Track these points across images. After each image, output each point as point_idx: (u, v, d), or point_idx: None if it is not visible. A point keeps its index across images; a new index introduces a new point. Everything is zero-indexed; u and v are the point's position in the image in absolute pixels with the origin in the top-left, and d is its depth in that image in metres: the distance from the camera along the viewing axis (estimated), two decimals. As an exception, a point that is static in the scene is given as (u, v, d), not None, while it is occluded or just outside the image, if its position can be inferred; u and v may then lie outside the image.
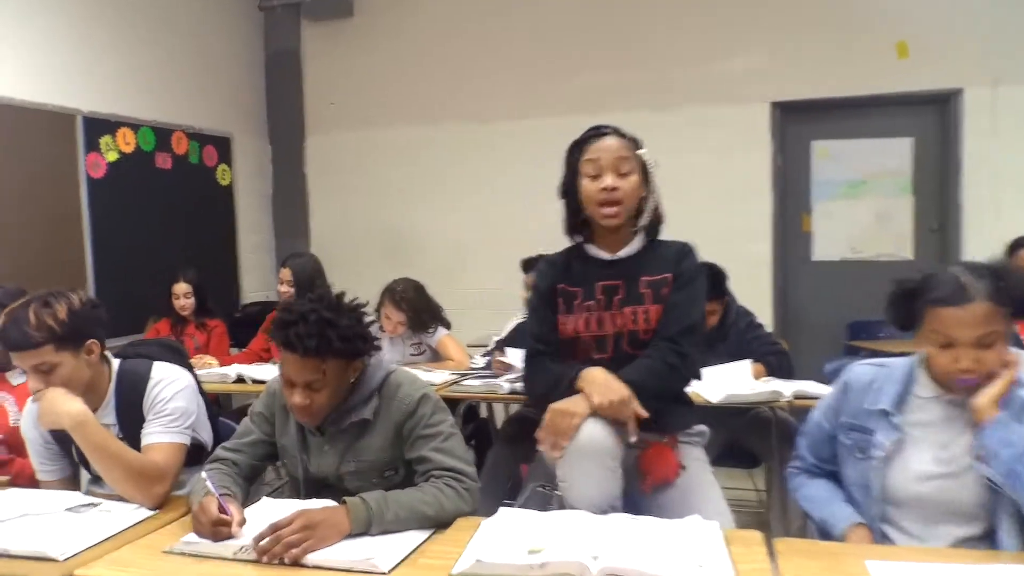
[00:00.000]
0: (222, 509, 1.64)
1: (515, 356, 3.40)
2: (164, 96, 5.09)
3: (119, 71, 4.76)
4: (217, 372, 3.54)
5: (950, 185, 5.00)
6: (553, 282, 2.08)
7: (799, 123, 5.26)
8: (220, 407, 3.98)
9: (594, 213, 1.99)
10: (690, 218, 4.83)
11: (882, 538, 1.73)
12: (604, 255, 2.05)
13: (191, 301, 4.27)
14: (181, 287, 4.25)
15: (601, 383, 1.86)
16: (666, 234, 2.12)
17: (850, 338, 4.92)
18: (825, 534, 1.78)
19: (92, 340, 1.98)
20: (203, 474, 1.73)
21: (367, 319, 1.90)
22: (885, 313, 1.77)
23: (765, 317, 4.77)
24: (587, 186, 1.98)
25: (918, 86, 4.90)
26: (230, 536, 1.60)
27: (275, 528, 1.55)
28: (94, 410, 2.02)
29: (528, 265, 3.66)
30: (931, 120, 5.10)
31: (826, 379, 3.32)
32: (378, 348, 1.95)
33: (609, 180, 1.95)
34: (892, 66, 4.89)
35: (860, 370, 1.83)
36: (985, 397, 1.61)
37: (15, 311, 1.88)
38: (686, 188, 5.06)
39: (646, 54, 5.31)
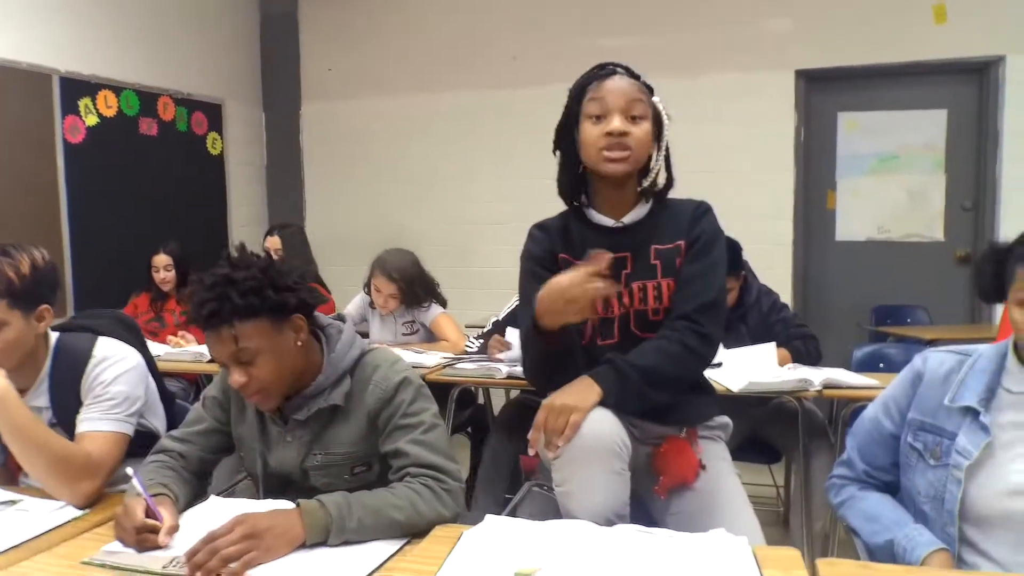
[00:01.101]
0: (150, 513, 1.37)
1: (516, 336, 3.14)
2: (150, 57, 4.82)
3: (101, 29, 4.49)
4: (192, 351, 3.30)
5: (986, 161, 4.72)
6: (551, 248, 1.77)
7: (825, 93, 4.99)
8: (200, 389, 3.74)
9: (595, 160, 1.68)
10: (707, 193, 4.57)
11: (959, 563, 1.42)
12: (608, 221, 1.75)
13: (172, 274, 4.04)
14: (161, 259, 4.03)
15: (571, 390, 1.58)
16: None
17: (876, 323, 4.70)
18: (877, 557, 1.48)
19: (45, 306, 1.76)
20: (128, 469, 1.46)
21: (292, 272, 1.59)
22: (974, 281, 1.47)
23: (786, 299, 4.51)
24: (589, 129, 1.68)
25: (955, 53, 4.61)
26: (157, 546, 1.34)
27: (211, 538, 1.28)
28: (24, 389, 1.79)
29: None
30: (967, 91, 4.80)
31: (853, 367, 3.15)
32: (318, 299, 1.66)
33: (617, 123, 1.64)
34: (927, 32, 4.59)
35: (937, 358, 1.52)
36: None
37: None
38: (702, 161, 4.80)
39: (662, 18, 5.03)
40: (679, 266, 1.71)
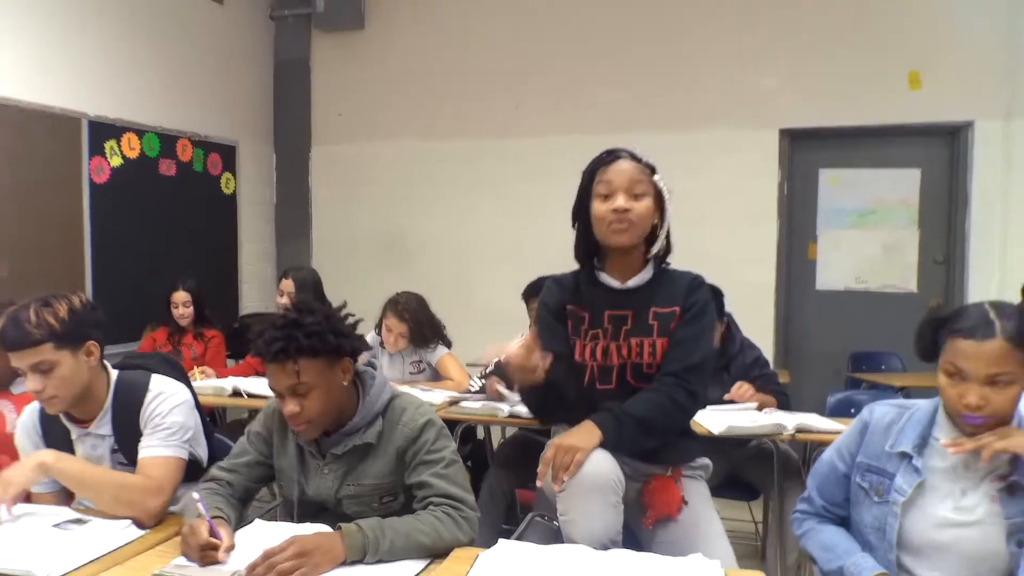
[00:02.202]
0: (212, 532, 1.60)
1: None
2: (171, 102, 5.07)
3: (126, 75, 4.75)
4: (213, 384, 3.50)
5: (957, 218, 4.99)
6: (562, 301, 2.03)
7: (807, 150, 5.27)
8: (216, 422, 3.94)
9: (603, 234, 1.94)
10: (695, 242, 4.81)
11: None
12: (614, 283, 2.00)
13: (190, 311, 4.23)
14: (180, 296, 4.22)
15: (577, 432, 1.84)
16: (671, 258, 2.08)
17: (852, 369, 4.90)
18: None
19: (91, 341, 1.96)
20: (195, 494, 1.69)
21: (349, 317, 1.86)
22: (914, 343, 1.73)
23: (767, 345, 4.76)
24: (598, 207, 1.94)
25: (929, 117, 4.89)
26: (217, 561, 1.56)
27: (268, 555, 1.51)
28: (91, 419, 2.02)
29: (531, 291, 3.58)
30: (940, 152, 5.09)
31: (826, 412, 3.38)
32: (366, 346, 1.92)
33: (620, 201, 1.90)
34: (903, 96, 4.88)
35: (881, 410, 1.78)
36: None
37: (15, 311, 1.87)
38: (692, 211, 5.04)
39: (657, 76, 5.31)
40: (673, 328, 1.96)
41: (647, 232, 1.97)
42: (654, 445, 1.90)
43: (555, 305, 2.04)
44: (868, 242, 5.22)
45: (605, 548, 1.67)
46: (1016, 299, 3.40)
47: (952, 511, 1.63)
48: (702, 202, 5.08)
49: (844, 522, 1.83)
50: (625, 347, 1.96)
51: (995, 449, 1.57)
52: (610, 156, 1.97)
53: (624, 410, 1.87)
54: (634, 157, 1.97)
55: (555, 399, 1.96)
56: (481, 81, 5.67)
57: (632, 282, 2.00)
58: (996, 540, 1.59)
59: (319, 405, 1.76)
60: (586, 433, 1.82)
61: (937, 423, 1.70)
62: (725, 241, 5.09)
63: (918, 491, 1.66)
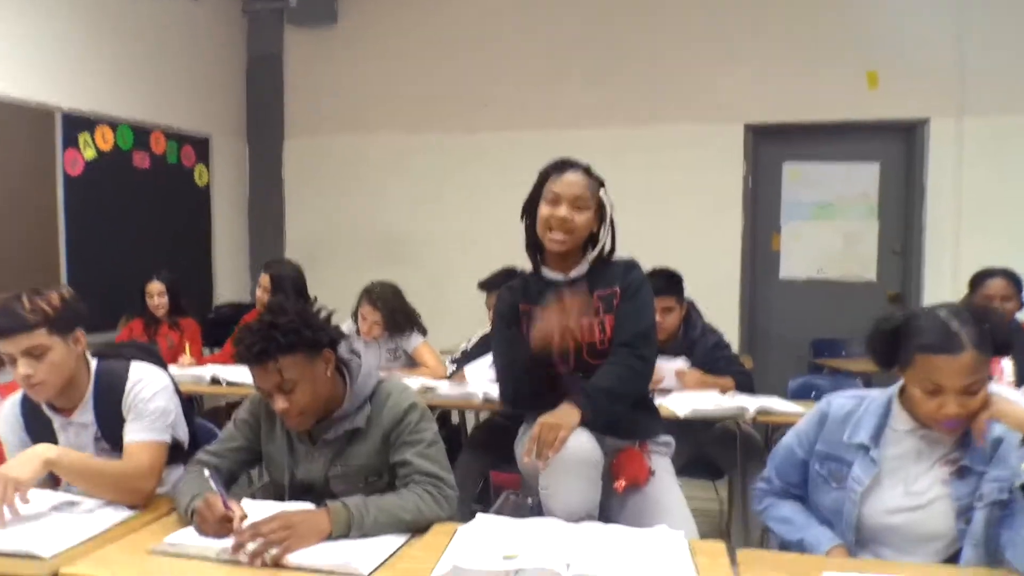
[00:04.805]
0: (225, 505, 1.68)
1: (474, 372, 3.47)
2: (144, 95, 5.08)
3: (100, 68, 4.75)
4: (192, 373, 3.55)
5: (914, 210, 5.16)
6: (514, 304, 2.20)
7: (771, 145, 5.40)
8: (194, 409, 3.99)
9: (542, 235, 2.12)
10: (661, 234, 5.02)
11: None
12: (558, 276, 2.17)
13: (165, 301, 4.27)
14: (155, 287, 4.26)
15: (558, 413, 1.97)
16: (640, 249, 2.28)
17: (814, 356, 5.07)
18: (790, 551, 1.85)
19: (79, 329, 2.02)
20: (205, 472, 1.78)
21: (322, 311, 1.95)
22: (867, 350, 1.81)
23: (732, 333, 4.89)
24: (543, 210, 2.11)
25: (886, 114, 5.07)
26: (231, 533, 1.64)
27: (255, 526, 1.60)
28: (73, 408, 2.07)
29: (488, 286, 3.70)
30: (898, 147, 5.26)
31: (788, 395, 3.51)
32: (342, 335, 1.99)
33: (563, 211, 2.07)
34: (862, 94, 5.05)
35: (839, 402, 1.88)
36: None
37: (6, 300, 1.91)
38: (659, 204, 5.21)
39: (627, 72, 5.41)
40: (616, 306, 2.12)
41: (583, 239, 2.15)
42: (622, 410, 2.07)
43: (508, 311, 2.20)
44: (829, 233, 5.38)
45: (580, 520, 1.79)
46: (965, 291, 3.56)
47: (904, 496, 1.75)
48: (669, 195, 5.24)
49: (799, 500, 1.95)
50: (579, 330, 2.12)
51: (984, 420, 1.65)
52: (563, 167, 2.13)
53: (592, 385, 2.02)
54: (587, 172, 2.13)
55: (528, 390, 2.13)
56: (452, 76, 5.74)
57: (573, 273, 2.16)
58: (945, 520, 1.72)
59: (306, 398, 1.85)
60: (567, 413, 1.95)
61: (892, 414, 1.80)
62: (691, 232, 5.23)
63: (875, 480, 1.77)
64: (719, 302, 4.55)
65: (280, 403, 1.84)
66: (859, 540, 1.80)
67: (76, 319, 2.01)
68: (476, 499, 3.28)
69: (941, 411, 1.65)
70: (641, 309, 2.13)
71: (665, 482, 2.13)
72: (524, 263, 2.32)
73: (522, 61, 5.60)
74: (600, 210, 2.13)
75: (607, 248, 2.18)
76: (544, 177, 2.14)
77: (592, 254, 2.16)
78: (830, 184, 5.35)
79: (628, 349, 2.08)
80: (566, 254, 2.14)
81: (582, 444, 1.92)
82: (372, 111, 5.91)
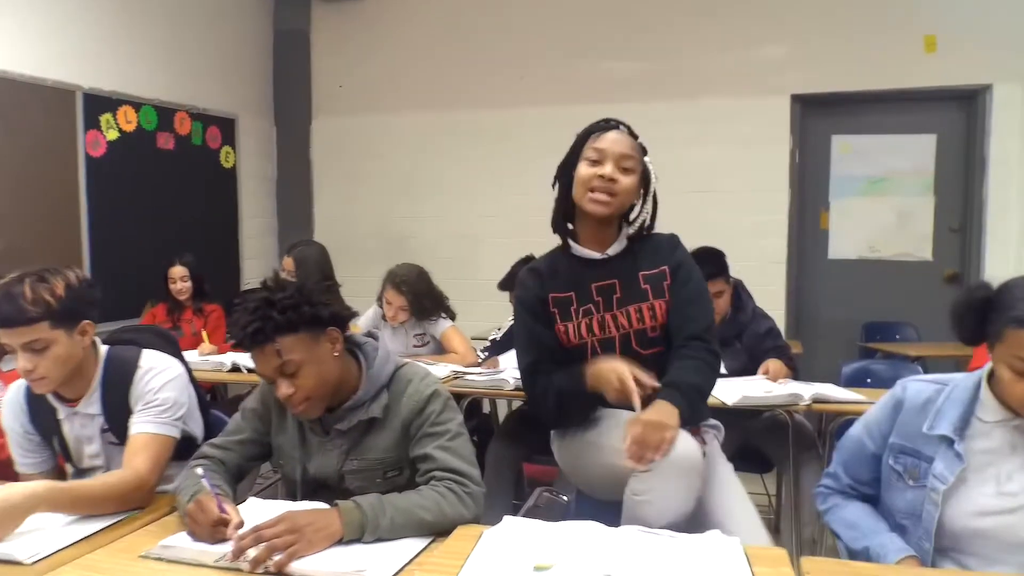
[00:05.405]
0: (219, 508, 1.52)
1: (509, 358, 3.30)
2: (168, 74, 4.97)
3: (122, 47, 4.64)
4: (212, 360, 3.43)
5: (973, 184, 4.89)
6: (540, 293, 1.97)
7: (819, 117, 5.16)
8: (215, 398, 3.89)
9: (582, 199, 1.90)
10: (704, 212, 4.79)
11: None
12: (593, 254, 1.96)
13: (188, 285, 4.18)
14: (177, 271, 4.17)
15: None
16: (679, 228, 2.07)
17: (865, 340, 4.85)
18: (857, 560, 1.63)
19: (87, 321, 1.88)
20: (199, 470, 1.62)
21: (331, 289, 1.77)
22: (952, 323, 1.57)
23: (778, 315, 4.68)
24: (584, 169, 1.90)
25: (944, 81, 4.78)
26: (226, 539, 1.48)
27: (258, 530, 1.44)
28: (79, 397, 1.94)
29: (507, 285, 3.51)
30: (956, 117, 4.99)
31: (841, 382, 3.29)
32: (349, 312, 1.83)
33: (608, 169, 1.86)
34: (918, 60, 4.77)
35: (916, 387, 1.65)
36: None
37: (8, 285, 1.77)
38: (700, 182, 4.97)
39: (664, 43, 5.19)
40: (667, 288, 1.92)
41: (625, 208, 1.94)
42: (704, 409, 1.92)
43: (532, 301, 1.99)
44: (882, 210, 5.12)
45: (670, 528, 1.60)
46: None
47: (995, 496, 1.52)
48: (712, 171, 5.03)
49: (869, 500, 1.73)
50: (623, 316, 1.93)
51: None
52: (607, 124, 1.93)
53: (683, 381, 1.82)
54: (631, 132, 1.94)
55: (572, 405, 1.92)
56: (485, 51, 5.56)
57: (612, 250, 1.96)
58: None
59: (312, 381, 1.68)
60: (667, 412, 1.73)
61: (980, 401, 1.57)
62: (735, 211, 5.00)
63: (960, 477, 1.54)
64: (765, 284, 4.36)
65: (283, 388, 1.67)
66: (939, 547, 1.56)
67: (83, 309, 1.86)
68: (514, 495, 3.11)
69: None
70: (702, 295, 1.96)
71: (718, 464, 1.96)
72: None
73: (557, 34, 5.40)
74: (644, 180, 1.93)
75: (646, 224, 1.97)
76: (583, 137, 1.93)
77: (631, 229, 1.96)
78: (882, 158, 5.08)
79: (702, 344, 1.89)
80: (605, 223, 1.93)
81: (688, 447, 1.71)
82: (403, 88, 5.76)
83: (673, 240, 2.01)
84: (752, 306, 3.24)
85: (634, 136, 1.93)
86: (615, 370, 1.77)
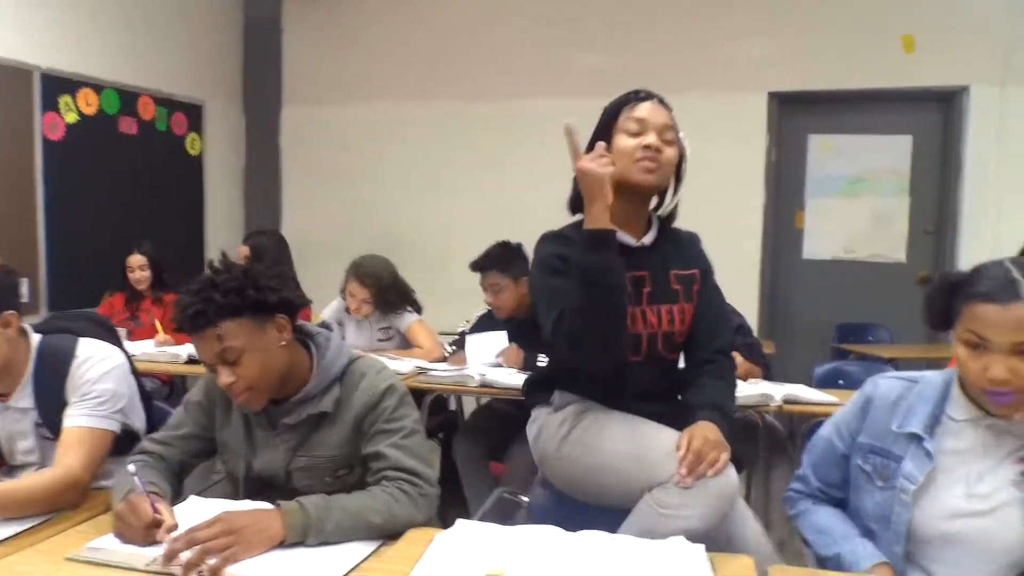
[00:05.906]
0: (152, 509, 1.42)
1: (475, 348, 3.20)
2: (132, 56, 4.82)
3: (83, 26, 4.49)
4: (168, 351, 3.31)
5: (949, 186, 4.88)
6: (565, 253, 1.74)
7: (796, 115, 5.13)
8: (173, 391, 3.76)
9: (629, 169, 1.73)
10: (679, 208, 4.71)
11: None
12: (629, 240, 1.81)
13: (146, 275, 4.04)
14: (135, 259, 4.03)
15: (707, 429, 1.70)
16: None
17: (839, 340, 4.80)
18: (827, 567, 1.56)
19: (9, 312, 1.76)
20: (130, 467, 1.51)
21: (285, 277, 1.67)
22: (923, 310, 1.51)
23: (752, 316, 4.64)
24: (625, 141, 1.75)
25: (922, 82, 4.77)
26: (157, 542, 1.38)
27: (192, 532, 1.34)
28: (9, 392, 1.82)
29: (481, 266, 3.34)
30: (933, 118, 4.97)
31: (814, 383, 3.24)
32: (302, 300, 1.73)
33: (653, 138, 1.74)
34: (896, 60, 4.75)
35: (886, 384, 1.58)
36: None
37: None
38: (676, 177, 4.89)
39: (641, 38, 5.13)
40: (696, 293, 1.85)
41: (667, 184, 1.84)
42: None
43: (552, 259, 1.76)
44: (857, 211, 5.10)
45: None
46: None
47: (964, 498, 1.45)
48: (688, 168, 4.93)
49: (841, 504, 1.66)
50: (652, 314, 1.80)
51: None
52: (642, 95, 1.81)
53: (721, 404, 1.78)
54: (665, 104, 1.82)
55: (593, 278, 1.62)
56: (459, 42, 5.47)
57: (647, 239, 1.84)
58: (1016, 530, 1.42)
59: (254, 370, 1.57)
60: (714, 431, 1.67)
61: (950, 399, 1.51)
62: (710, 208, 4.89)
63: (929, 477, 1.47)
64: (738, 283, 4.29)
65: (224, 376, 1.57)
66: (908, 553, 1.49)
67: (5, 300, 1.75)
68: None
69: (986, 374, 1.36)
70: (724, 304, 1.91)
71: None
72: (530, 239, 1.94)
73: (533, 27, 5.32)
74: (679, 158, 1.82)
75: (671, 212, 1.89)
76: (616, 109, 1.80)
77: (664, 211, 1.87)
78: (859, 158, 5.06)
79: (728, 360, 1.87)
80: (641, 204, 1.82)
81: (734, 476, 1.65)
82: (375, 77, 5.65)
83: (697, 239, 1.93)
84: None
85: (669, 108, 1.82)
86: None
